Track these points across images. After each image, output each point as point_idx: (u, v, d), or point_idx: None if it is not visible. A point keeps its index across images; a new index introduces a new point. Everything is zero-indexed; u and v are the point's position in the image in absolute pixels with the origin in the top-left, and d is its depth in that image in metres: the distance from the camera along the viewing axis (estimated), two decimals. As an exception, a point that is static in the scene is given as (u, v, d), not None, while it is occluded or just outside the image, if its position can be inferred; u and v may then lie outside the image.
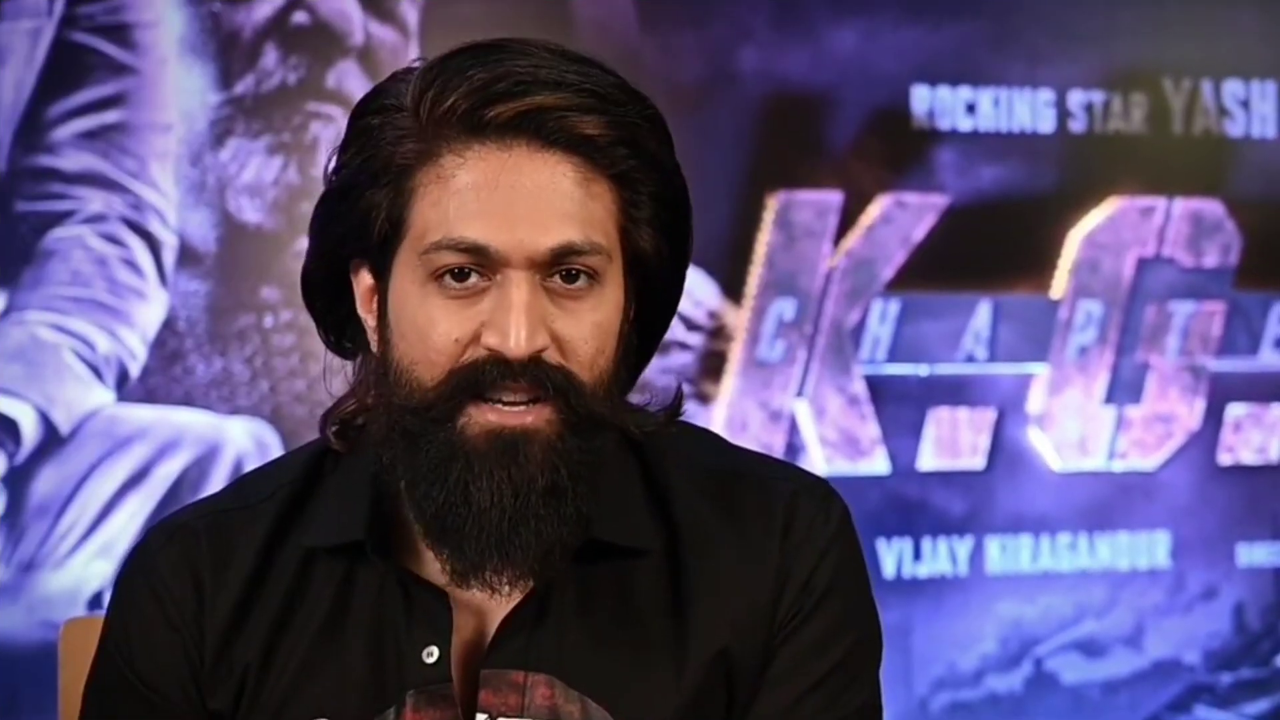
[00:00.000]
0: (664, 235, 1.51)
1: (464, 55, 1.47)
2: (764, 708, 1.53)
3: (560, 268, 1.45)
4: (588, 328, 1.46)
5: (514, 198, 1.44)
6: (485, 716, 1.49)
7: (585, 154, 1.45)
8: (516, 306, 1.43)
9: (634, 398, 1.58)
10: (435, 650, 1.50)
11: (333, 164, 1.52)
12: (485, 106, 1.44)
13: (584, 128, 1.45)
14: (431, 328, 1.45)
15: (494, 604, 1.51)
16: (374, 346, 1.52)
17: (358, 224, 1.49)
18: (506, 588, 1.49)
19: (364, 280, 1.52)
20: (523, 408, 1.45)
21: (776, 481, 1.57)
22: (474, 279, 1.45)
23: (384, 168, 1.47)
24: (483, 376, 1.44)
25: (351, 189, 1.49)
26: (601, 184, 1.47)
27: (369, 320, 1.52)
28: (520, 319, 1.43)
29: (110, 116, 3.57)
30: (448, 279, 1.45)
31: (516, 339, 1.43)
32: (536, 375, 1.44)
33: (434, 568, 1.51)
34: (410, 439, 1.47)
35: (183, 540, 1.57)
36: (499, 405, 1.45)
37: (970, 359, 4.10)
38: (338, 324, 1.56)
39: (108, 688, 1.59)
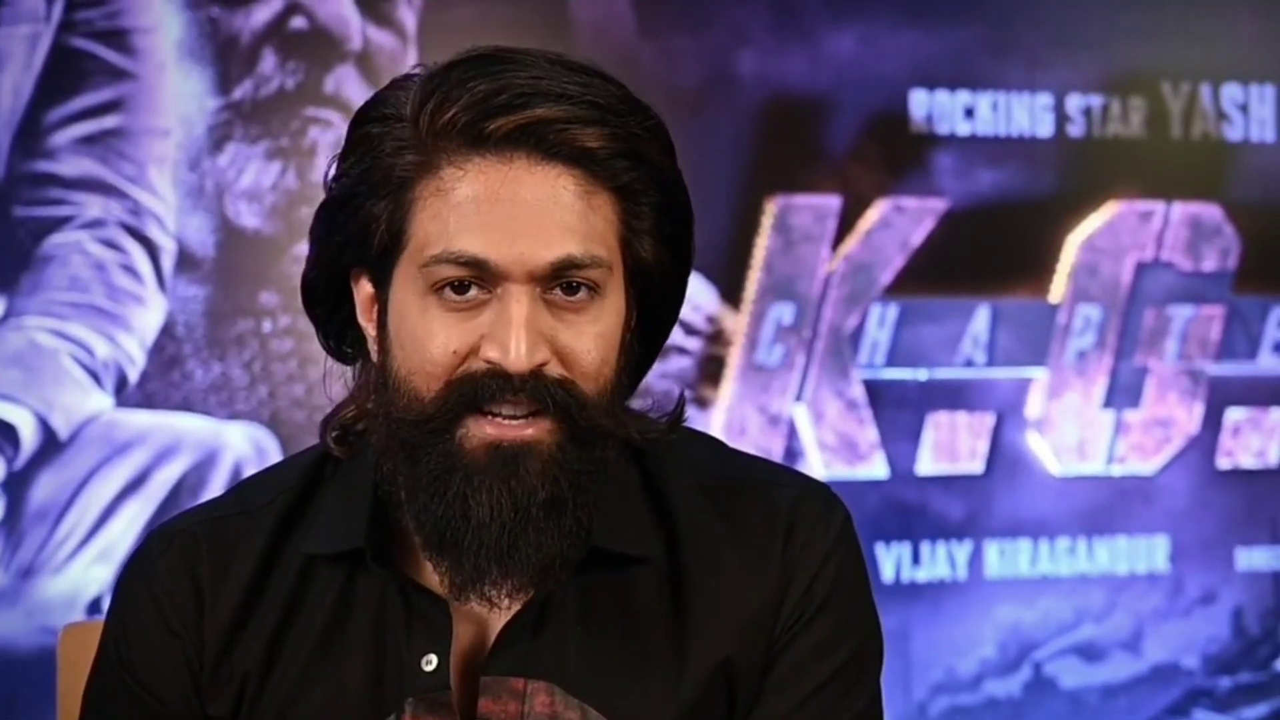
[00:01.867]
0: (665, 244, 1.50)
1: (464, 65, 1.46)
2: (765, 712, 1.53)
3: (561, 280, 1.44)
4: (590, 339, 1.45)
5: (514, 211, 1.43)
6: (485, 724, 1.49)
7: (586, 167, 1.44)
8: (516, 321, 1.43)
9: (634, 403, 1.58)
10: (434, 658, 1.49)
11: (333, 171, 1.51)
12: (486, 119, 1.43)
13: (585, 140, 1.44)
14: (430, 340, 1.45)
15: (494, 612, 1.51)
16: (374, 356, 1.51)
17: (358, 234, 1.48)
18: (506, 601, 1.48)
19: (364, 289, 1.51)
20: (522, 421, 1.44)
21: (778, 487, 1.57)
22: (474, 292, 1.44)
23: (384, 179, 1.46)
24: (481, 389, 1.43)
25: (351, 199, 1.48)
26: (602, 196, 1.46)
27: (369, 329, 1.52)
28: (520, 333, 1.42)
29: (108, 121, 3.56)
30: (447, 291, 1.44)
31: (517, 353, 1.42)
32: (537, 390, 1.43)
33: (434, 576, 1.51)
34: (409, 450, 1.47)
35: (182, 545, 1.57)
36: (498, 419, 1.44)
37: (969, 363, 4.10)
38: (338, 330, 1.56)
39: (107, 693, 1.59)
